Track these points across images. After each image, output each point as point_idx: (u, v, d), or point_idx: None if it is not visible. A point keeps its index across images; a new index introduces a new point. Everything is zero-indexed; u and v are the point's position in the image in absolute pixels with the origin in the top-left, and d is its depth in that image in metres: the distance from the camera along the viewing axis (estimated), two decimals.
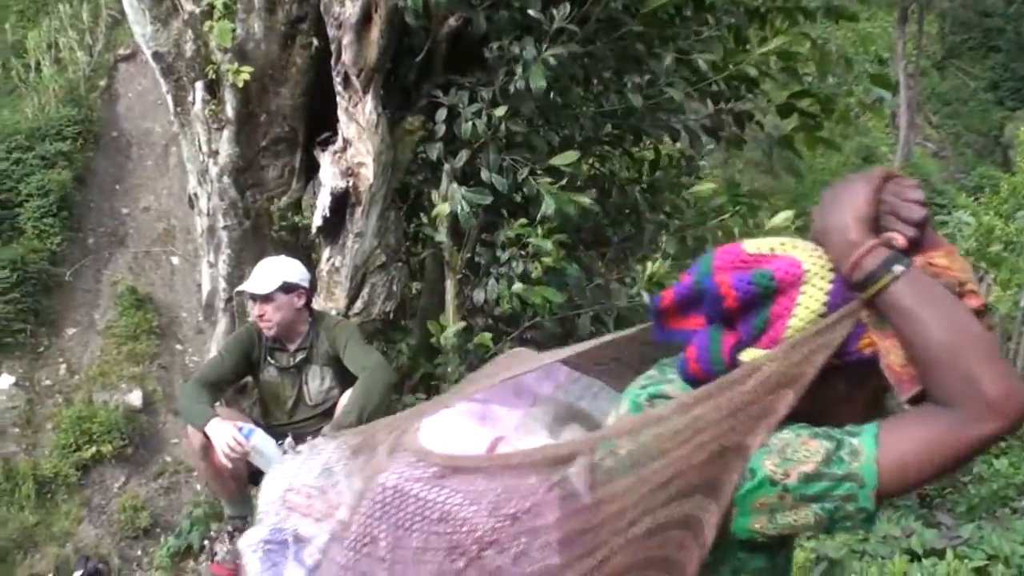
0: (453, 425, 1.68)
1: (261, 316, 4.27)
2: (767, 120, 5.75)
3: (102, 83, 13.56)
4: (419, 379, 4.97)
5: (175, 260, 12.58)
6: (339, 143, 4.76)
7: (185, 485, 11.45)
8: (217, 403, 4.26)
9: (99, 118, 13.20)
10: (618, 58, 5.35)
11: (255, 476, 4.29)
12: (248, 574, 1.73)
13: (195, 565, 4.64)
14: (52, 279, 12.85)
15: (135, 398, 11.81)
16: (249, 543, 1.75)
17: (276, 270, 4.27)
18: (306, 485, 1.72)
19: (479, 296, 5.21)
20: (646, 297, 5.27)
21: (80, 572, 3.51)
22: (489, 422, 1.68)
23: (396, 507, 1.55)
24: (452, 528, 1.50)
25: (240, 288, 4.38)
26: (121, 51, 13.72)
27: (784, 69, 5.36)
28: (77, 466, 11.51)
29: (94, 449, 11.51)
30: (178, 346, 12.23)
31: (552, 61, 4.74)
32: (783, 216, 4.96)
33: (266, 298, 4.24)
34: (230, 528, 4.52)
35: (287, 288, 4.26)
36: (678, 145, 6.08)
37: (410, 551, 1.54)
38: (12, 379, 12.41)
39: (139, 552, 8.69)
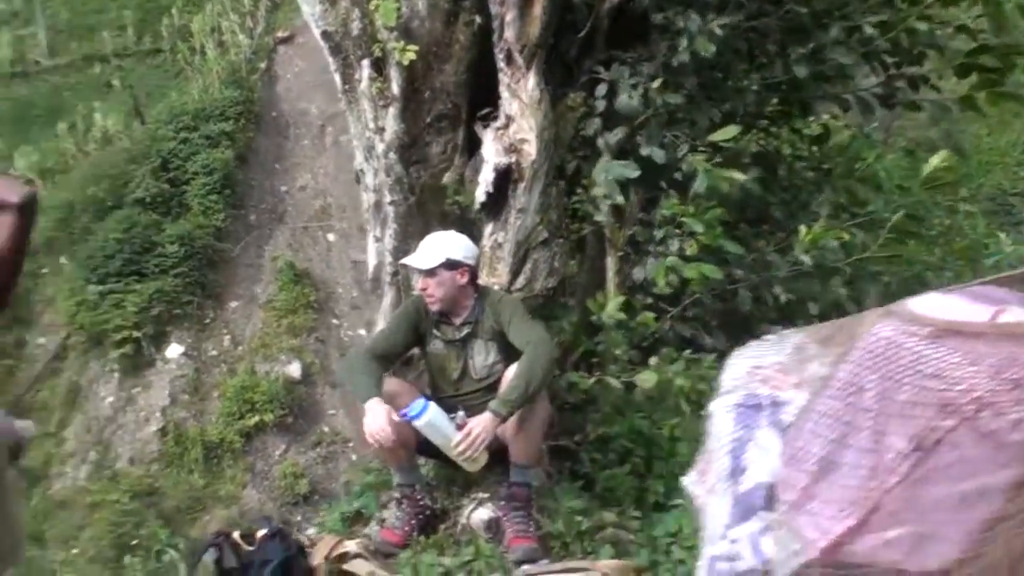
0: (945, 301, 1.67)
1: (424, 290, 4.34)
2: (942, 84, 5.51)
3: (262, 65, 14.00)
4: (580, 356, 4.98)
5: (331, 236, 12.92)
6: (501, 120, 4.79)
7: (342, 455, 11.80)
8: (388, 374, 4.36)
9: (259, 99, 13.63)
10: (784, 29, 5.21)
11: (423, 446, 4.38)
12: (716, 433, 1.75)
13: (364, 530, 4.77)
14: (217, 254, 13.38)
15: (294, 369, 12.22)
16: (722, 405, 1.78)
17: (441, 246, 4.33)
18: (777, 362, 1.73)
19: (639, 274, 5.18)
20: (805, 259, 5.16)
21: (265, 531, 3.66)
22: (982, 299, 1.66)
23: (888, 358, 1.56)
24: (946, 385, 1.49)
25: (404, 261, 4.46)
26: (280, 34, 14.13)
27: (960, 28, 5.13)
28: (241, 433, 11.99)
29: (257, 418, 11.97)
30: (334, 320, 12.58)
31: (718, 32, 4.66)
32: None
33: (429, 273, 4.31)
34: (398, 495, 4.63)
35: (450, 265, 4.31)
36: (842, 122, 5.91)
37: (897, 404, 1.54)
38: (181, 349, 13.01)
39: (299, 517, 9.00)
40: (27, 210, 2.33)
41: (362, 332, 12.51)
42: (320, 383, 12.29)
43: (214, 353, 12.96)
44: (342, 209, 13.10)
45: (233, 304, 13.25)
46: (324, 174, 13.32)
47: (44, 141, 16.18)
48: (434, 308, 4.35)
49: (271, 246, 13.55)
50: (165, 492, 11.61)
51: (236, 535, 3.76)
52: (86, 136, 15.63)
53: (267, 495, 11.69)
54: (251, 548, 3.64)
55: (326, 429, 11.98)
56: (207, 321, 13.13)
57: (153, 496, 11.48)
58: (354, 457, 11.80)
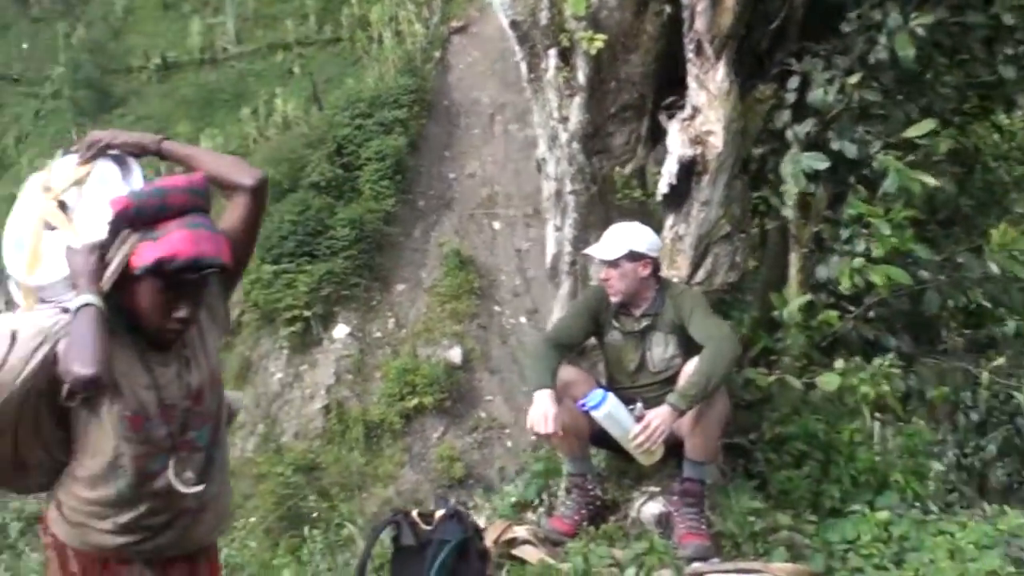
0: None
1: (606, 280, 4.32)
2: None
3: (436, 54, 14.30)
4: (758, 353, 4.88)
5: (497, 224, 13.09)
6: (688, 111, 4.72)
7: (498, 441, 11.96)
8: (565, 363, 4.36)
9: (432, 87, 13.93)
10: (990, 27, 4.97)
11: (596, 436, 4.37)
12: None
13: (533, 517, 4.79)
14: (385, 238, 13.76)
15: (455, 355, 12.44)
16: None
17: (625, 237, 4.30)
18: None
19: (822, 272, 5.03)
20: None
21: (443, 511, 3.72)
22: None
23: None
24: None
25: (587, 251, 4.45)
26: (454, 24, 14.39)
27: None
28: (401, 414, 12.29)
29: (417, 400, 12.25)
30: (496, 307, 12.74)
31: (920, 31, 4.48)
32: None
33: (612, 263, 4.28)
34: (568, 485, 4.64)
35: (633, 256, 4.27)
36: None
37: None
38: (347, 329, 13.42)
39: (453, 500, 9.14)
40: (259, 192, 2.40)
41: (523, 320, 12.62)
42: (480, 369, 12.48)
43: (378, 335, 13.32)
44: (508, 197, 13.25)
45: (399, 287, 13.58)
46: (492, 162, 13.51)
47: (228, 125, 16.95)
48: (615, 299, 4.32)
49: (438, 232, 13.83)
50: (326, 468, 12.03)
51: (415, 514, 3.83)
52: (267, 121, 16.30)
53: (424, 476, 11.98)
54: (429, 528, 3.70)
55: (483, 415, 12.17)
56: (373, 303, 13.51)
57: (315, 471, 11.92)
58: (510, 444, 11.95)
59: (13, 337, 2.11)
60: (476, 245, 13.21)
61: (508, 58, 13.98)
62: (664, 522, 4.43)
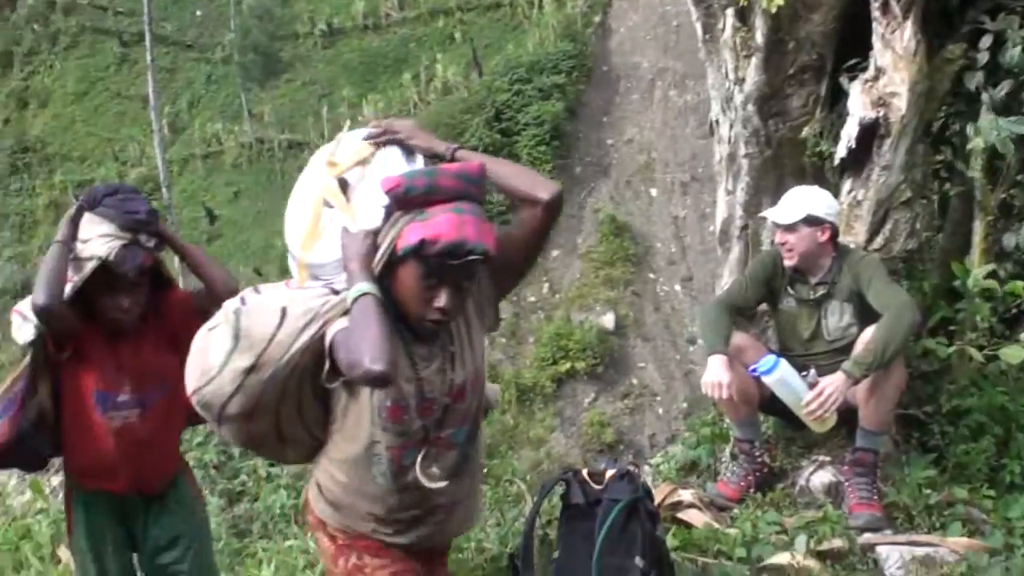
0: None
1: (783, 244, 4.24)
2: None
3: (596, 19, 14.20)
4: (937, 323, 4.71)
5: (654, 191, 12.96)
6: (871, 71, 4.57)
7: (649, 408, 11.91)
8: (737, 329, 4.32)
9: (592, 52, 13.84)
10: None
11: (766, 403, 4.32)
12: None
13: (698, 481, 4.78)
14: None
15: (608, 320, 12.42)
16: None
17: (803, 201, 4.22)
18: None
19: (1008, 240, 4.82)
20: None
21: (613, 471, 3.74)
22: None
23: None
24: None
25: (764, 214, 4.38)
26: None
27: None
28: (553, 378, 12.37)
29: (569, 364, 12.30)
30: (651, 275, 12.65)
31: None
32: None
33: (789, 228, 4.20)
34: (735, 450, 4.61)
35: (811, 221, 4.19)
36: None
37: None
38: None
39: (603, 466, 9.14)
40: (554, 207, 2.33)
41: (678, 288, 12.50)
42: (632, 335, 12.43)
43: (532, 299, 13.43)
44: (666, 164, 13.10)
45: (554, 253, 13.64)
46: (650, 128, 13.35)
47: (390, 90, 17.30)
48: (791, 264, 4.25)
49: (594, 198, 13.79)
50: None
51: (584, 473, 3.87)
52: (428, 86, 16.57)
53: (574, 441, 12.04)
54: (599, 487, 3.73)
55: (635, 381, 12.13)
56: None
57: None
58: (661, 412, 11.89)
59: (283, 313, 2.14)
60: (632, 212, 13.13)
61: (669, 22, 13.80)
62: (834, 491, 4.36)
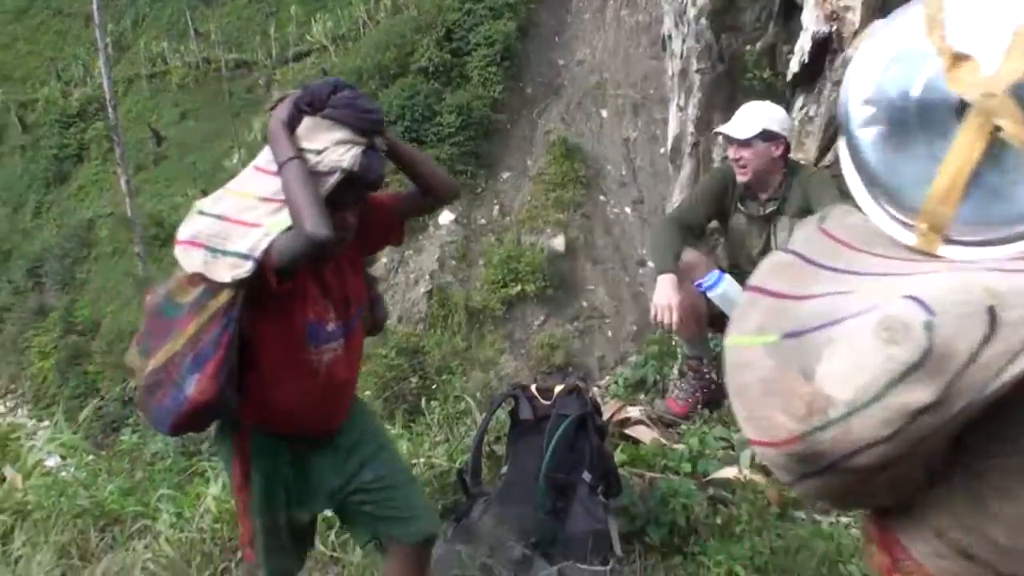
0: None
1: (737, 160, 4.21)
2: None
3: None
4: None
5: (604, 113, 12.89)
6: None
7: (598, 331, 11.99)
8: (687, 246, 4.30)
9: None
10: None
11: (715, 319, 4.33)
12: None
13: (646, 398, 4.81)
14: (492, 125, 13.66)
15: (558, 243, 12.42)
16: None
17: (758, 115, 4.17)
18: None
19: None
20: None
21: (561, 386, 3.74)
22: None
23: None
24: None
25: (719, 129, 4.33)
26: None
27: None
28: (503, 301, 12.39)
29: (519, 287, 12.32)
30: (601, 197, 12.63)
31: None
32: None
33: (744, 143, 4.17)
34: (683, 367, 4.63)
35: (766, 136, 4.16)
36: None
37: None
38: (452, 216, 13.50)
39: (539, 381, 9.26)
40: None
41: (628, 210, 12.51)
42: (582, 258, 12.46)
43: (483, 222, 13.37)
44: (617, 85, 13.01)
45: (504, 175, 13.54)
46: (603, 49, 13.23)
47: (339, 8, 16.93)
48: (744, 179, 4.22)
49: (545, 120, 13.68)
50: (429, 351, 12.24)
51: (533, 388, 3.86)
52: (378, 4, 16.22)
53: (523, 363, 12.12)
54: (547, 402, 3.72)
55: (584, 304, 12.19)
56: (479, 191, 13.52)
57: (417, 354, 12.14)
58: (610, 334, 11.98)
59: (992, 318, 1.26)
60: (583, 133, 13.06)
61: None
62: None
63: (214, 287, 2.52)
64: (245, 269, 2.44)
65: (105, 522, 3.82)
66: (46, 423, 7.01)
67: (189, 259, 2.53)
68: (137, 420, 5.84)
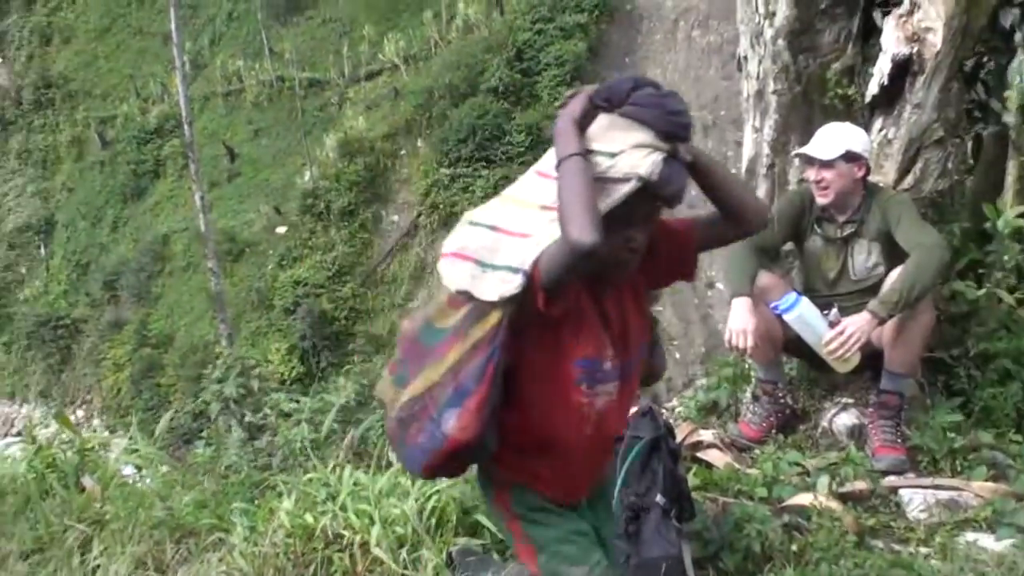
0: None
1: (819, 182, 4.14)
2: None
3: None
4: (966, 265, 4.63)
5: None
6: (905, 6, 4.44)
7: (666, 352, 11.93)
8: (762, 268, 4.25)
9: None
10: None
11: (790, 343, 4.27)
12: None
13: (719, 422, 4.76)
14: None
15: None
16: None
17: (840, 136, 4.12)
18: None
19: None
20: None
21: (636, 408, 3.71)
22: None
23: None
24: None
25: (801, 150, 4.25)
26: None
27: None
28: None
29: None
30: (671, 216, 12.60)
31: None
32: None
33: (827, 164, 4.10)
34: (757, 391, 4.57)
35: (849, 157, 4.10)
36: None
37: None
38: None
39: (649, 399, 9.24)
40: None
41: None
42: None
43: None
44: (688, 105, 13.00)
45: None
46: (673, 69, 13.22)
47: (411, 28, 17.15)
48: (825, 201, 4.15)
49: None
50: None
51: None
52: (449, 25, 16.42)
53: None
54: None
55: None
56: None
57: None
58: (678, 356, 11.90)
59: None
60: None
61: None
62: (857, 434, 4.33)
63: (480, 309, 2.22)
64: (514, 284, 2.12)
65: (180, 534, 3.87)
66: (119, 433, 7.17)
67: (454, 273, 2.20)
68: (211, 433, 5.94)
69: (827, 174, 4.10)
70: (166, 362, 15.06)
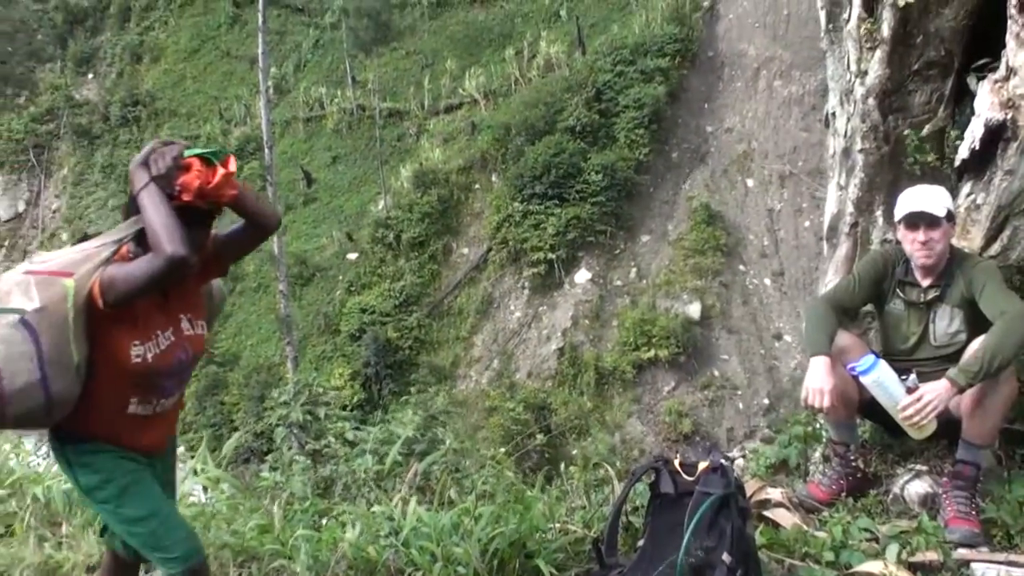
0: None
1: (926, 242, 4.05)
2: None
3: (705, 3, 14.04)
4: None
5: (750, 182, 12.78)
6: (1002, 71, 4.37)
7: (728, 401, 11.79)
8: (840, 328, 4.18)
9: (697, 37, 13.70)
10: None
11: (865, 406, 4.20)
12: None
13: (787, 481, 4.68)
14: (635, 187, 13.73)
15: (694, 310, 12.32)
16: None
17: (941, 197, 4.03)
18: None
19: None
20: None
21: (707, 463, 3.67)
22: None
23: None
24: None
25: (918, 208, 4.12)
26: None
27: None
28: (634, 364, 12.31)
29: (651, 352, 12.23)
30: (741, 266, 12.49)
31: None
32: None
33: (934, 224, 4.02)
34: (828, 452, 4.50)
35: (949, 216, 4.04)
36: None
37: None
38: (589, 275, 13.55)
39: (682, 455, 9.06)
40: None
41: (767, 281, 12.33)
42: (717, 327, 12.31)
43: (619, 283, 13.37)
44: (764, 155, 12.92)
45: (644, 238, 13.55)
46: (752, 118, 13.18)
47: (492, 64, 17.36)
48: (928, 262, 4.05)
49: (688, 185, 13.67)
50: (555, 408, 12.24)
51: (676, 462, 3.80)
52: (530, 62, 16.59)
53: (650, 428, 11.99)
54: (690, 478, 3.66)
55: (716, 373, 12.02)
56: (616, 251, 13.55)
57: (543, 410, 12.14)
58: (740, 406, 11.76)
59: None
60: (727, 201, 12.97)
61: (779, 10, 13.55)
62: (929, 503, 4.22)
63: None
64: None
65: (244, 558, 3.91)
66: (181, 449, 7.26)
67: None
68: (276, 457, 5.99)
69: (934, 234, 4.02)
70: (231, 381, 15.26)
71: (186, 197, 2.75)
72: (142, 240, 2.75)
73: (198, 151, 2.85)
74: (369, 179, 17.28)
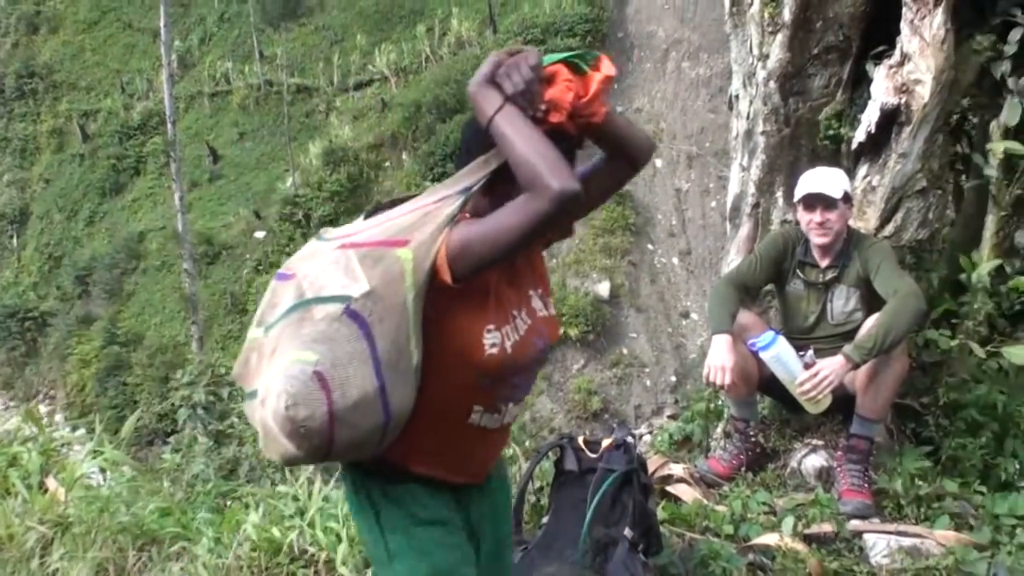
0: None
1: (822, 223, 4.15)
2: None
3: None
4: (941, 315, 4.69)
5: (659, 163, 12.89)
6: (897, 57, 4.50)
7: (636, 379, 11.93)
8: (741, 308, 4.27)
9: (608, 18, 13.73)
10: None
11: (765, 383, 4.30)
12: None
13: (689, 456, 4.78)
14: None
15: (603, 289, 12.40)
16: None
17: (839, 179, 4.15)
18: None
19: (1021, 238, 4.80)
20: None
21: (610, 440, 3.72)
22: None
23: None
24: None
25: (816, 189, 4.22)
26: None
27: None
28: None
29: (561, 330, 12.31)
30: (649, 246, 12.62)
31: None
32: None
33: (831, 205, 4.13)
34: (729, 428, 4.60)
35: (847, 198, 4.17)
36: None
37: None
38: None
39: (586, 433, 9.15)
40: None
41: (675, 260, 12.49)
42: (626, 305, 12.42)
43: None
44: (672, 136, 13.04)
45: None
46: (661, 99, 13.29)
47: (403, 41, 17.19)
48: (824, 241, 4.16)
49: None
50: None
51: (580, 440, 3.85)
52: (441, 40, 16.47)
53: (559, 406, 12.07)
54: (594, 455, 3.71)
55: (625, 351, 12.14)
56: None
57: None
58: (648, 383, 11.92)
59: None
60: (635, 181, 13.01)
61: None
62: (825, 476, 4.36)
63: None
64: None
65: (144, 541, 3.84)
66: (81, 431, 7.09)
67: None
68: (178, 439, 5.89)
69: (831, 215, 4.13)
70: (134, 361, 14.93)
71: (556, 118, 2.03)
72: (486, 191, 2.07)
73: (560, 56, 2.09)
74: (277, 156, 17.00)
